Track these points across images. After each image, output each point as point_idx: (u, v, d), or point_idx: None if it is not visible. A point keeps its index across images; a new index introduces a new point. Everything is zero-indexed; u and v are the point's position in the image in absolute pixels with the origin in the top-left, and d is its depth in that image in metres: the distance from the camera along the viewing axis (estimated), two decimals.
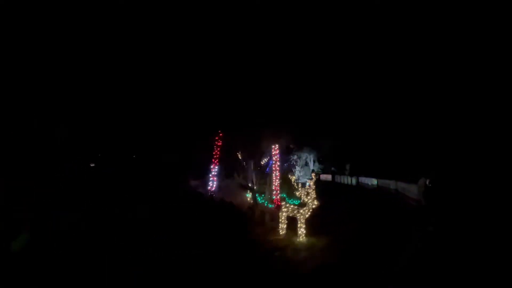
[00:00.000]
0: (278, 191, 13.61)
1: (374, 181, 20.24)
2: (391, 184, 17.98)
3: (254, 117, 13.40)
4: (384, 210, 12.08)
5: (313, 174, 24.00)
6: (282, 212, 8.79)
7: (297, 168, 29.03)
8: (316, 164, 30.86)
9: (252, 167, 14.05)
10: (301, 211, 8.49)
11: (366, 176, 21.49)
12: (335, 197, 18.69)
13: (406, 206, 12.35)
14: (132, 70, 15.76)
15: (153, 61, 15.95)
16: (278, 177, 13.81)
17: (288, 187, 18.45)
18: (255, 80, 15.58)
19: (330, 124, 24.72)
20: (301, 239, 8.18)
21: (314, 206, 8.73)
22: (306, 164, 30.27)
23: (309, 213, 8.51)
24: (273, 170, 13.85)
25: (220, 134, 13.11)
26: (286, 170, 24.83)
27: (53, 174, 9.98)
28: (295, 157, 29.03)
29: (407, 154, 18.58)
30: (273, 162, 13.83)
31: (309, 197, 8.77)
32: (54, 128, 12.26)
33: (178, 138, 14.94)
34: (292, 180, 17.02)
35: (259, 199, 13.93)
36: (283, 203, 9.33)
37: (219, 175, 13.51)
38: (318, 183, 23.17)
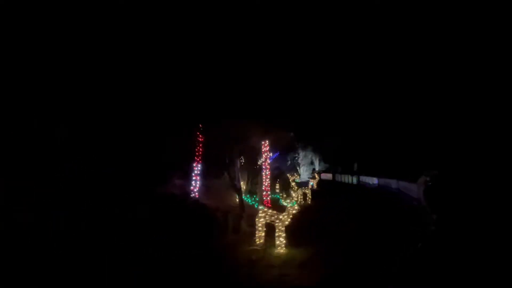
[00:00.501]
0: (269, 192, 12.53)
1: (375, 180, 20.13)
2: (393, 183, 17.77)
3: (246, 110, 12.30)
4: (384, 210, 11.99)
5: (315, 174, 23.94)
6: (260, 218, 7.85)
7: (301, 167, 28.95)
8: (322, 163, 30.62)
9: (238, 166, 12.88)
10: (280, 217, 7.58)
11: (367, 175, 21.39)
12: (335, 196, 18.58)
13: (407, 205, 12.27)
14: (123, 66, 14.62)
15: (141, 55, 14.86)
16: (268, 176, 12.62)
17: (284, 188, 18.23)
18: (254, 78, 15.11)
19: (335, 123, 24.66)
20: (279, 250, 7.14)
21: (294, 211, 7.91)
22: (311, 163, 30.12)
23: (288, 220, 7.66)
24: (263, 168, 12.68)
25: (201, 129, 11.90)
26: (289, 169, 24.71)
27: (53, 174, 10.01)
28: (298, 155, 28.92)
29: (410, 152, 18.48)
30: (263, 160, 12.80)
31: (288, 201, 8.04)
32: (54, 128, 12.29)
33: (162, 133, 13.26)
34: (291, 180, 16.33)
35: (248, 200, 13.04)
36: (261, 207, 8.48)
37: (209, 174, 12.41)
38: (319, 182, 23.15)
